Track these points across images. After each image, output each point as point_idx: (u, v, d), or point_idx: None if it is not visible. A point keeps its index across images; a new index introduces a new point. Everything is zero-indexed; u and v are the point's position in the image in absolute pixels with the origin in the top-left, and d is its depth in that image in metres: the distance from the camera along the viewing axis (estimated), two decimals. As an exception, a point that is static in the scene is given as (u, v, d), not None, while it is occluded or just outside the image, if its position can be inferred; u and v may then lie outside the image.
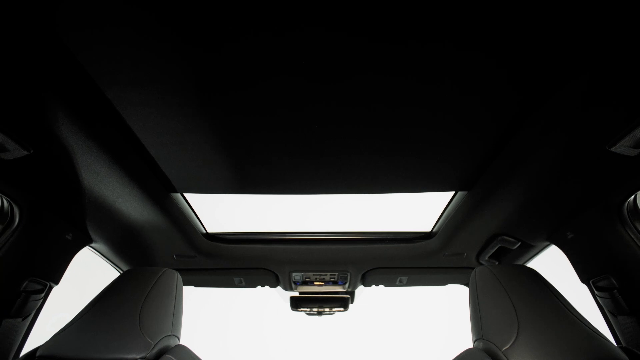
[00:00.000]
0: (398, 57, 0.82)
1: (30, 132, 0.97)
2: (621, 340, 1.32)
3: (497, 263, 1.93)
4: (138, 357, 1.03)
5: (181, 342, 1.28)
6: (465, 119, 1.05)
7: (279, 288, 2.29)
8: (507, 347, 1.00)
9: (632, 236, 1.23)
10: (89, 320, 1.11)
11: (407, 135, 1.11)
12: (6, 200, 1.22)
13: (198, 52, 0.81)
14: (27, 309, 1.29)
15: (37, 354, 1.04)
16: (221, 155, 1.20)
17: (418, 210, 1.96)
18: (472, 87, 0.93)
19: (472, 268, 2.04)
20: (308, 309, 2.34)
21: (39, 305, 1.37)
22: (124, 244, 1.71)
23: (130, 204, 1.43)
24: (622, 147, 0.98)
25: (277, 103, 0.97)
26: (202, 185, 1.43)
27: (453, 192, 1.64)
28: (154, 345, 1.08)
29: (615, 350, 0.99)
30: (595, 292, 1.37)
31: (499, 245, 1.76)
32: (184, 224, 1.73)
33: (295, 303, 2.32)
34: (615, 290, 1.28)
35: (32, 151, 1.02)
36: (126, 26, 0.76)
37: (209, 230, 1.98)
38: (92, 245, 1.60)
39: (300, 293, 2.29)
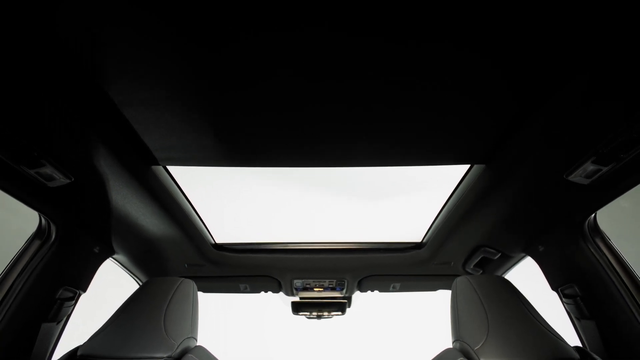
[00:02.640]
0: (399, 56, 0.82)
1: (73, 164, 1.15)
2: (585, 341, 1.50)
3: (481, 271, 2.11)
4: (164, 355, 1.21)
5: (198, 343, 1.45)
6: (465, 116, 1.07)
7: (281, 294, 2.47)
8: (479, 346, 1.18)
9: (592, 250, 1.41)
10: (120, 324, 1.29)
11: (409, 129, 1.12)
12: (45, 219, 1.40)
13: (198, 50, 0.81)
14: (61, 314, 1.46)
15: (78, 353, 1.21)
16: (210, 123, 1.09)
17: (409, 222, 2.14)
18: (469, 92, 0.95)
19: (460, 275, 2.22)
20: (308, 313, 2.51)
21: (70, 311, 1.54)
22: (141, 254, 1.88)
23: (149, 220, 1.60)
24: (577, 177, 1.17)
25: (275, 89, 0.93)
26: (187, 157, 1.29)
27: (442, 204, 1.81)
28: (178, 346, 1.25)
29: (570, 350, 1.17)
30: (563, 299, 1.55)
31: (482, 256, 1.94)
32: (195, 236, 1.90)
33: (296, 307, 2.49)
34: (578, 298, 1.46)
35: (72, 179, 1.19)
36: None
37: (217, 241, 2.15)
38: (115, 256, 1.77)
39: (300, 298, 2.46)
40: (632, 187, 1.18)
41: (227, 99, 0.98)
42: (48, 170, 1.11)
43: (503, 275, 2.09)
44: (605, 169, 1.09)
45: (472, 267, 2.08)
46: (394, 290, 2.43)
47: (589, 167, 1.10)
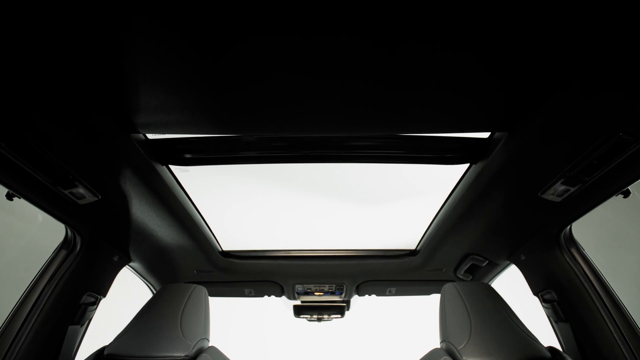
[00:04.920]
0: (394, 61, 0.84)
1: (100, 184, 1.29)
2: (561, 342, 1.64)
3: (471, 277, 2.25)
4: (182, 354, 1.35)
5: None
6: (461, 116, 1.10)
7: (284, 298, 2.61)
8: (462, 346, 1.33)
9: (567, 259, 1.56)
10: (141, 326, 1.43)
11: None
12: (71, 231, 1.54)
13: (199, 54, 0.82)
14: (85, 317, 1.61)
15: (105, 352, 1.35)
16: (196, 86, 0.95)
17: (404, 230, 2.28)
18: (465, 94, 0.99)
19: (451, 281, 2.37)
20: (309, 316, 2.66)
21: (92, 314, 1.68)
22: (155, 261, 2.03)
23: (163, 230, 1.74)
24: (550, 195, 1.31)
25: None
26: (170, 121, 1.12)
27: (434, 215, 1.95)
28: (193, 346, 1.40)
29: (542, 350, 1.32)
30: (542, 303, 1.70)
31: (471, 263, 2.08)
32: (204, 244, 2.05)
33: (298, 311, 2.64)
34: (555, 302, 1.60)
35: (99, 197, 1.34)
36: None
37: (224, 248, 2.29)
38: (131, 264, 1.92)
39: (302, 302, 2.61)
40: (598, 204, 1.33)
41: (229, 96, 0.99)
42: (80, 190, 1.26)
43: (492, 281, 2.23)
44: (573, 189, 1.24)
45: (462, 273, 2.23)
46: (390, 294, 2.57)
47: (559, 187, 1.25)
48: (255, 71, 0.88)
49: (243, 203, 2.02)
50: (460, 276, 2.27)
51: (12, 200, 1.27)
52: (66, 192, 1.24)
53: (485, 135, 1.30)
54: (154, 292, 2.31)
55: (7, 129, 0.96)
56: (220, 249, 2.27)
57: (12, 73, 0.84)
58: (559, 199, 1.32)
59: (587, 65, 0.86)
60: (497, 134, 1.25)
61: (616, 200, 1.33)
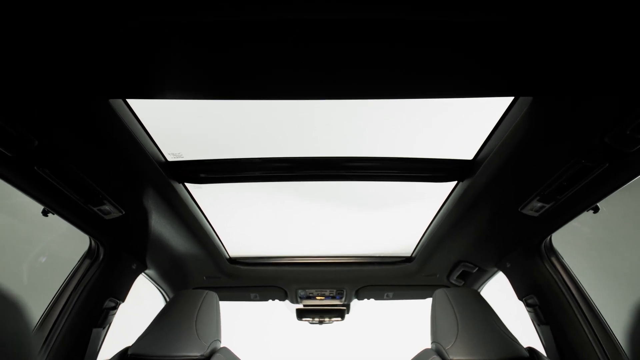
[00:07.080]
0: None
1: (125, 201, 1.44)
2: (543, 343, 1.79)
3: (463, 282, 2.40)
4: (198, 354, 1.50)
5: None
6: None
7: (287, 302, 2.76)
8: (449, 346, 1.47)
9: (547, 267, 1.71)
10: (160, 328, 1.58)
11: None
12: (95, 242, 1.69)
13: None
14: (107, 321, 1.76)
15: (129, 352, 1.50)
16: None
17: (400, 238, 2.42)
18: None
19: (445, 286, 2.52)
20: (311, 319, 2.81)
21: (113, 318, 1.83)
22: (169, 269, 2.18)
23: (177, 240, 1.90)
24: (528, 210, 1.46)
25: None
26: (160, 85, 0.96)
27: (428, 223, 2.09)
28: (208, 347, 1.54)
29: (522, 350, 1.46)
30: (526, 307, 1.84)
31: (462, 269, 2.23)
32: (213, 252, 2.20)
33: (300, 314, 2.79)
34: (537, 306, 1.75)
35: (123, 212, 1.49)
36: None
37: (232, 255, 2.44)
38: (147, 271, 2.07)
39: (304, 306, 2.76)
40: (572, 218, 1.47)
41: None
42: (107, 207, 1.41)
43: (482, 286, 2.38)
44: (548, 205, 1.39)
45: (455, 278, 2.37)
46: (388, 298, 2.72)
47: (536, 204, 1.40)
48: (253, 57, 0.84)
49: (249, 212, 2.16)
50: (453, 281, 2.42)
51: (47, 216, 1.42)
52: (95, 209, 1.39)
53: (469, 157, 1.46)
54: (167, 297, 2.46)
55: (51, 157, 1.11)
56: (228, 257, 2.42)
57: (58, 111, 0.99)
58: (536, 214, 1.47)
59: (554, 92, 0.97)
60: (479, 156, 1.40)
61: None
